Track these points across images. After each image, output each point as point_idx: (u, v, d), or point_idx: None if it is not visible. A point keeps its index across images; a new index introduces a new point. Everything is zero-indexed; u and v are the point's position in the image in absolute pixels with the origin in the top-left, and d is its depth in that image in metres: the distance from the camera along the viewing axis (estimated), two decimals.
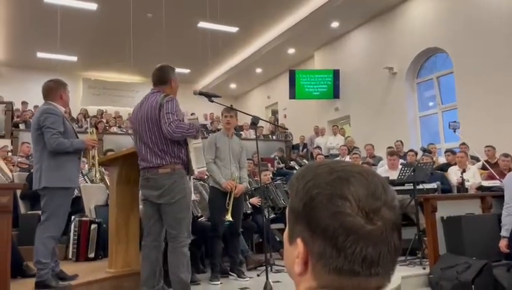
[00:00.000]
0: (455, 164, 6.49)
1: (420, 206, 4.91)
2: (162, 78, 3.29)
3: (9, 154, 7.42)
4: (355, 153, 8.27)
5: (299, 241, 0.63)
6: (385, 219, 0.60)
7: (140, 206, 4.21)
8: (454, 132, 6.05)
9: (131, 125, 3.42)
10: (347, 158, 8.55)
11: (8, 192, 2.60)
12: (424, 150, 6.16)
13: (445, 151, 7.58)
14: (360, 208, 0.59)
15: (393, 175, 5.55)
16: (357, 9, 10.24)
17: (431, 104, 9.89)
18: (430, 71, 9.77)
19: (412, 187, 5.07)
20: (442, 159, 7.66)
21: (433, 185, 5.68)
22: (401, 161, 6.81)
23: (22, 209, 5.31)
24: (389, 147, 8.15)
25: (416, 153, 7.52)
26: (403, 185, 5.31)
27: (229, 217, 4.06)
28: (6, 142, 8.02)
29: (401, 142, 8.67)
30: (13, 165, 6.52)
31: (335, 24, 11.11)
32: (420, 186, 5.24)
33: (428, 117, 9.87)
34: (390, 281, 0.62)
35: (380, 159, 8.53)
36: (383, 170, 6.29)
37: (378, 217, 0.60)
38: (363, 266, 0.59)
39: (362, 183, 0.61)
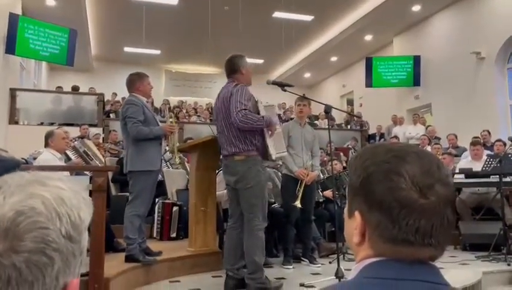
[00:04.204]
0: None
1: (507, 199, 4.61)
2: (232, 68, 3.44)
3: (106, 143, 8.13)
4: (437, 144, 7.85)
5: (357, 213, 0.69)
6: (439, 195, 0.64)
7: (221, 191, 4.44)
8: None
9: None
10: (428, 148, 8.16)
11: (103, 174, 2.90)
12: None
13: None
14: (414, 183, 0.64)
15: (477, 166, 5.24)
16: None
17: None
18: None
19: (498, 179, 4.76)
20: None
21: None
22: (487, 151, 6.37)
23: (113, 191, 5.83)
24: (475, 137, 7.63)
25: (504, 144, 6.98)
26: (488, 177, 4.99)
27: (298, 204, 4.13)
28: (98, 131, 8.79)
29: (488, 131, 8.06)
30: (104, 151, 7.15)
31: (416, 8, 10.56)
32: (507, 179, 4.88)
33: None
34: (443, 252, 0.66)
35: (464, 149, 8.00)
36: (466, 161, 5.94)
37: (431, 193, 0.64)
38: (417, 236, 0.64)
39: (417, 161, 0.66)
